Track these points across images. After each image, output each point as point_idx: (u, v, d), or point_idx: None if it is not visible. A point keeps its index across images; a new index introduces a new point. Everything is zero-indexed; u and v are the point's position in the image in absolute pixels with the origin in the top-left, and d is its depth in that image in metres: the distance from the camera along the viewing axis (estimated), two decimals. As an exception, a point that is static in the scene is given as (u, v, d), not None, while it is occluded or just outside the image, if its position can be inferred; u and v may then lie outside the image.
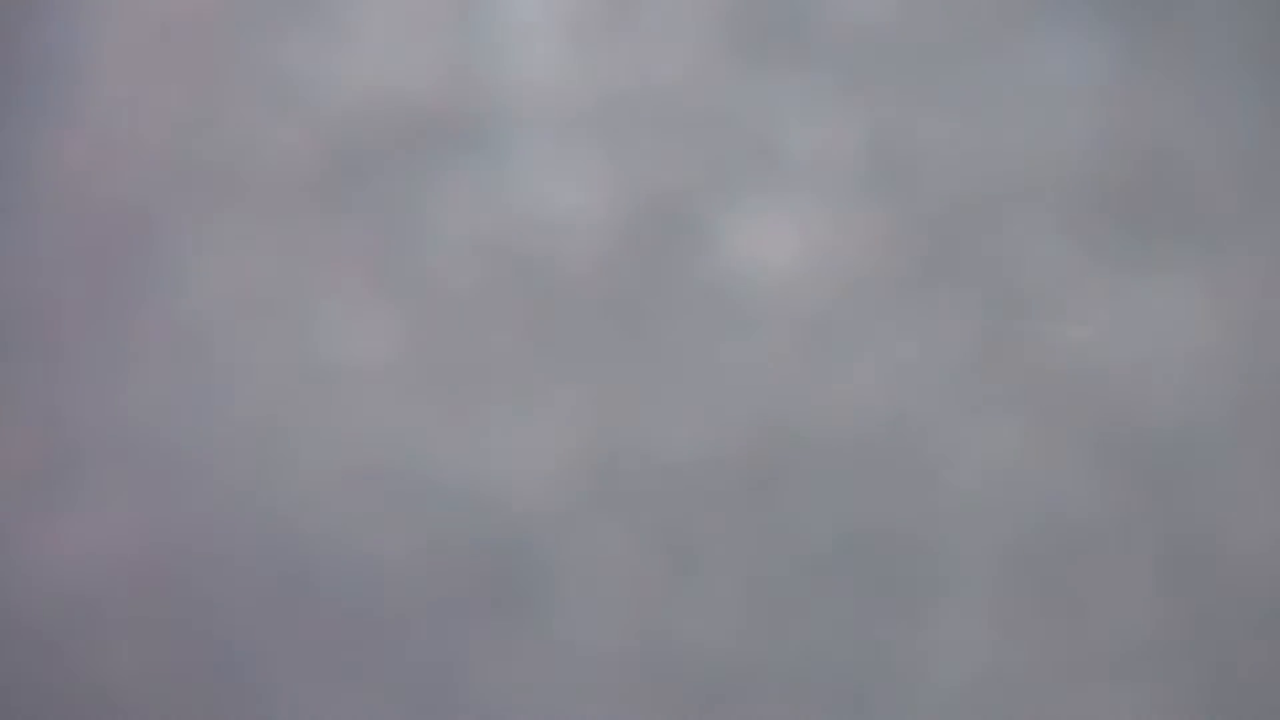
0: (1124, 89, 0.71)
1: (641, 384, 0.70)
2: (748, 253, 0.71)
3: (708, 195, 0.71)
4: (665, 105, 0.72)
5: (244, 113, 0.72)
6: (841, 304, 0.71)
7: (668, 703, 0.69)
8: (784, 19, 0.72)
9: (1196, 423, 0.70)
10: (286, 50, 0.72)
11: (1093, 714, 0.68)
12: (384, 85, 0.72)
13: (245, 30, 0.73)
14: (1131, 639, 0.69)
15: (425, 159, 0.72)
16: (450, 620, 0.69)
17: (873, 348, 0.70)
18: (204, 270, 0.72)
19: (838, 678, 0.69)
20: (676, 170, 0.71)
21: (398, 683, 0.69)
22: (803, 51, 0.72)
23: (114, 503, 0.70)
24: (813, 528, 0.69)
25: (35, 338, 0.71)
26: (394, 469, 0.70)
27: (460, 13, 0.73)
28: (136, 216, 0.72)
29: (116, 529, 0.70)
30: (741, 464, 0.70)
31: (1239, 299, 0.70)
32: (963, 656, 0.69)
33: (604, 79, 0.72)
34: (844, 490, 0.70)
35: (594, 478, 0.70)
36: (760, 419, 0.70)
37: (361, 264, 0.71)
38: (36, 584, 0.70)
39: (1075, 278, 0.70)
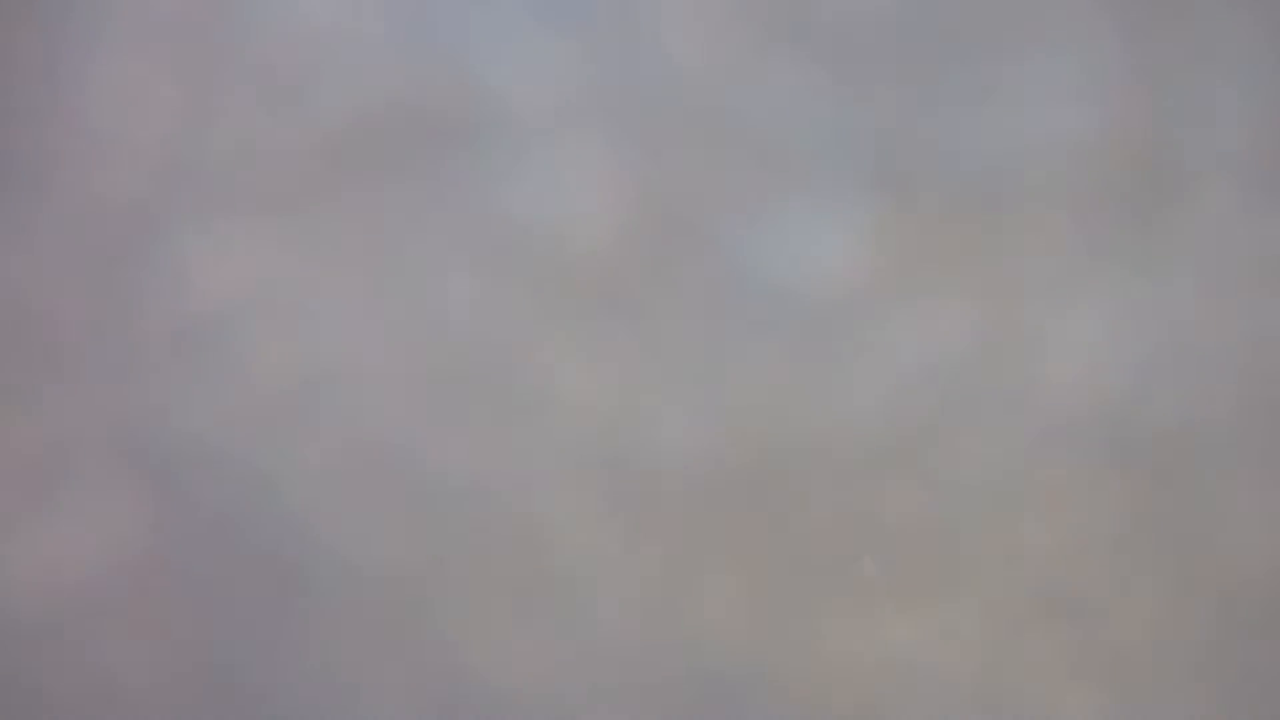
0: (1124, 88, 0.71)
1: (642, 383, 0.70)
2: (750, 253, 0.71)
3: (709, 195, 0.71)
4: (666, 105, 0.72)
5: (244, 113, 0.72)
6: (843, 303, 0.71)
7: (671, 702, 0.69)
8: (785, 17, 0.72)
9: (1196, 423, 0.70)
10: (286, 50, 0.72)
11: (1093, 714, 0.68)
12: (383, 85, 0.72)
13: (245, 30, 0.73)
14: (1132, 639, 0.69)
15: (425, 158, 0.72)
16: (451, 620, 0.70)
17: (875, 347, 0.70)
18: (204, 270, 0.72)
19: (840, 677, 0.69)
20: (678, 171, 0.71)
21: (398, 683, 0.69)
22: (804, 50, 0.72)
23: (114, 502, 0.70)
24: (815, 527, 0.70)
25: (35, 337, 0.71)
26: (394, 469, 0.70)
27: (460, 12, 0.73)
28: (136, 216, 0.72)
29: (116, 528, 0.70)
30: (744, 463, 0.70)
31: (1239, 299, 0.70)
32: (963, 656, 0.69)
33: (604, 79, 0.72)
34: (847, 490, 0.70)
35: (595, 477, 0.70)
36: (762, 418, 0.70)
37: (361, 264, 0.71)
38: (36, 582, 0.70)
39: (1075, 276, 0.70)
